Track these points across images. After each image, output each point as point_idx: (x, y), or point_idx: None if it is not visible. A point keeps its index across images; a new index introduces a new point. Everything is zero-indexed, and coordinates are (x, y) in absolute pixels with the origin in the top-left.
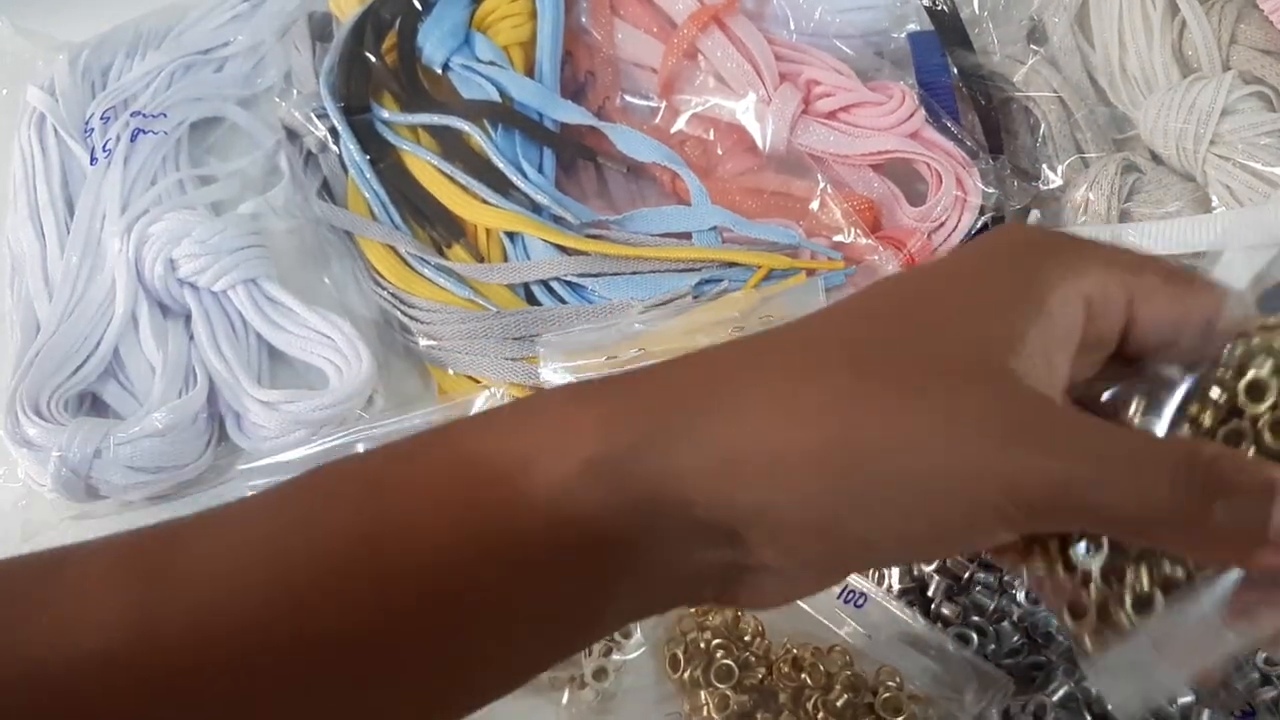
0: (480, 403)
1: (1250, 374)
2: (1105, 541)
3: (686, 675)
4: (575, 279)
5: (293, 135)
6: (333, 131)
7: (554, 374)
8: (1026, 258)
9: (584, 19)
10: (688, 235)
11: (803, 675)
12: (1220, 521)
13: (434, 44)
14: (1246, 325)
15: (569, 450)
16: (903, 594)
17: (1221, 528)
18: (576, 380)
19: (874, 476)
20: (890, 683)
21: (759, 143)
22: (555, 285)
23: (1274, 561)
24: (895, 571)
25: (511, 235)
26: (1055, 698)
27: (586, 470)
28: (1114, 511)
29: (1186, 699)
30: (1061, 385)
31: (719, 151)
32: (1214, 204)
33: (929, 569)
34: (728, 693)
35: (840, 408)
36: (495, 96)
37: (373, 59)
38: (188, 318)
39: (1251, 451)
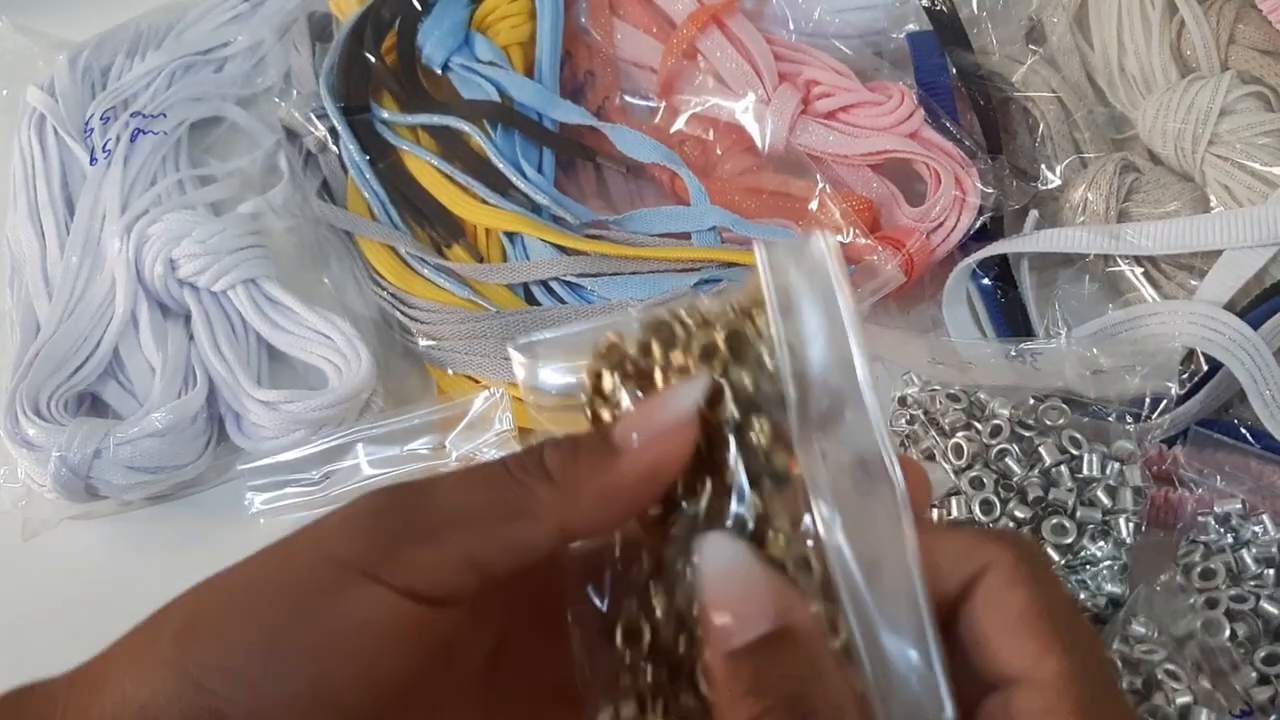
0: (478, 404)
1: None
2: None
3: None
4: (575, 279)
5: (292, 135)
6: (332, 131)
7: (550, 374)
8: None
9: (583, 19)
10: (687, 235)
11: None
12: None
13: (434, 44)
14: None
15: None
16: None
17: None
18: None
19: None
20: None
21: (758, 143)
22: (555, 285)
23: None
24: None
25: (511, 235)
26: None
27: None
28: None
29: (1185, 699)
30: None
31: (718, 151)
32: (1213, 204)
33: None
34: None
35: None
36: (495, 96)
37: (372, 59)
38: (188, 318)
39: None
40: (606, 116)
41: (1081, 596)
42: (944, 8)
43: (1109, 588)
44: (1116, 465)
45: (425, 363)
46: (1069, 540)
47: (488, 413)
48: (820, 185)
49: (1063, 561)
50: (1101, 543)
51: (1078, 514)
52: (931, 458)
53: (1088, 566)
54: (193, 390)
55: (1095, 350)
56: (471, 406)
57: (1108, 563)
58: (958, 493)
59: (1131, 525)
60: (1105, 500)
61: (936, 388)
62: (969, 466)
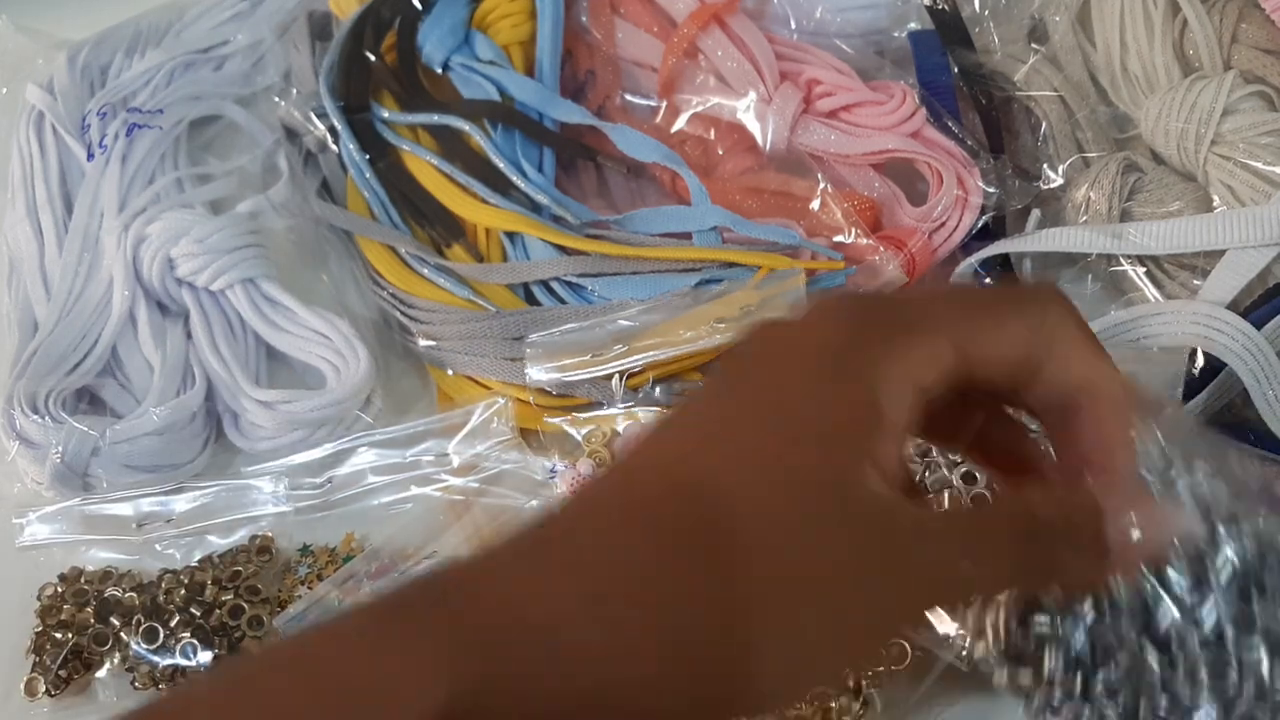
0: (481, 410)
1: None
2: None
3: None
4: (575, 279)
5: (292, 134)
6: (332, 131)
7: (542, 374)
8: (851, 361)
9: (584, 18)
10: (688, 235)
11: None
12: (1067, 559)
13: (434, 43)
14: None
15: (414, 703)
16: None
17: (1072, 559)
18: (424, 577)
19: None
20: None
21: (759, 142)
22: (555, 285)
23: (1128, 573)
24: None
25: (511, 235)
26: None
27: None
28: (982, 581)
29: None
30: (900, 472)
31: (719, 151)
32: (1215, 204)
33: None
34: None
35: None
36: (495, 96)
37: (372, 58)
38: (186, 317)
39: None
40: (607, 116)
41: None
42: (946, 7)
43: None
44: None
45: (425, 363)
46: None
47: (491, 418)
48: (822, 185)
49: None
50: None
51: None
52: (927, 454)
53: None
54: (191, 389)
55: None
56: (474, 413)
57: None
58: (951, 487)
59: None
60: None
61: None
62: (963, 461)
